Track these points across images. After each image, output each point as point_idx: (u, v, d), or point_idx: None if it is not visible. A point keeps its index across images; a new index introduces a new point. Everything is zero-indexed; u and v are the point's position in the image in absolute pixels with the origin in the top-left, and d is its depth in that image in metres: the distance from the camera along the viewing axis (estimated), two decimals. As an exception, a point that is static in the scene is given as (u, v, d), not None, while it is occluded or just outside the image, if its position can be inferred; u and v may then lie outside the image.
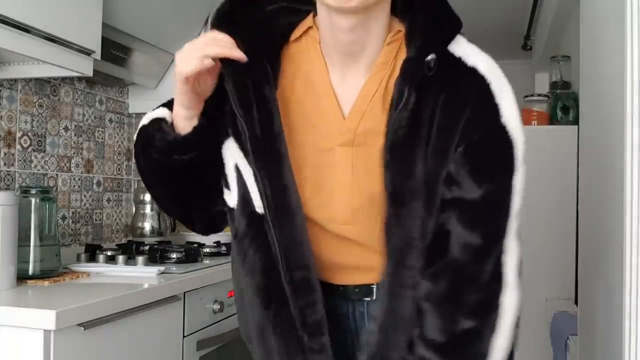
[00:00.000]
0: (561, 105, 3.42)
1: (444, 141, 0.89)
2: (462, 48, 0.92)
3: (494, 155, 0.90)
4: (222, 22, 0.96)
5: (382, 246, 0.92)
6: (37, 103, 2.06)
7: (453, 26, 0.93)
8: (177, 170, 0.99)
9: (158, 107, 1.06)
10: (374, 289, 1.00)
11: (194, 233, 2.66)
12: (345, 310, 1.03)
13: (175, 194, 1.05)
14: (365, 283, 1.01)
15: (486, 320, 0.89)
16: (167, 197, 1.07)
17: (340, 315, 1.02)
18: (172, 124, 0.98)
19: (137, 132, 1.04)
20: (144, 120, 1.04)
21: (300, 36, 0.99)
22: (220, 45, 0.91)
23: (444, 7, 0.94)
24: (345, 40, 0.92)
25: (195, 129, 0.96)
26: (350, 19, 0.89)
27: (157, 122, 1.00)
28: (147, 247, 2.22)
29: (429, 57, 0.88)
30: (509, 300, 0.90)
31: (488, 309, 0.89)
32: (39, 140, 2.07)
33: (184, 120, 0.96)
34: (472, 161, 0.89)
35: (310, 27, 0.98)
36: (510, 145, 0.89)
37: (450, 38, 0.92)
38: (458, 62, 0.91)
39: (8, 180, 1.93)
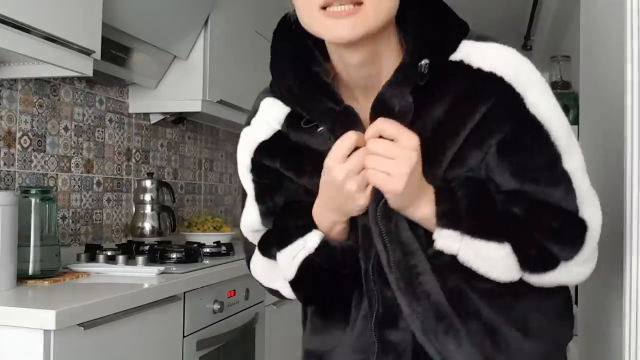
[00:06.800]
0: (561, 105, 3.42)
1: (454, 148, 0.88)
2: (467, 50, 0.89)
3: (528, 151, 0.87)
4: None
5: None
6: (37, 103, 2.06)
7: (455, 30, 0.90)
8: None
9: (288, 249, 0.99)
10: None
11: (194, 233, 2.68)
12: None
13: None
14: None
15: None
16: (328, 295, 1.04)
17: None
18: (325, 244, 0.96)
19: (298, 270, 0.98)
20: (298, 262, 0.97)
21: None
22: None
23: (442, 11, 0.91)
24: (357, 76, 0.92)
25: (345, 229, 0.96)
26: (358, 53, 0.88)
27: (324, 250, 0.96)
28: (147, 247, 2.22)
29: (422, 62, 0.86)
30: None
31: None
32: (39, 140, 2.07)
33: (342, 228, 0.95)
34: (509, 162, 0.88)
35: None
36: (543, 135, 0.87)
37: (451, 43, 0.89)
38: (461, 66, 0.88)
39: (8, 180, 1.93)
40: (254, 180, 1.03)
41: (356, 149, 0.85)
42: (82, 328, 1.36)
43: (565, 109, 3.66)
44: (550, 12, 3.61)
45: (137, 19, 2.14)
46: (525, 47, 4.49)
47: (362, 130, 0.87)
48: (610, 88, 1.33)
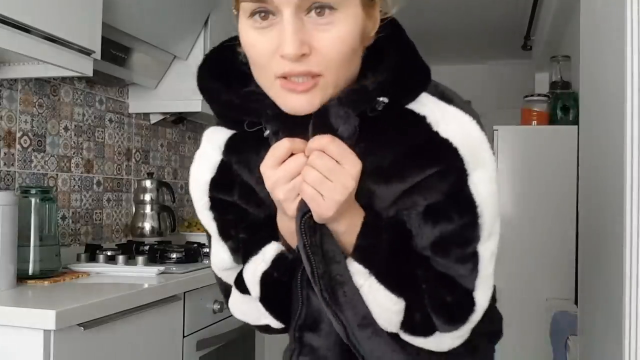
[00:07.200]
0: (561, 105, 3.42)
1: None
2: (431, 107, 0.83)
3: (451, 225, 0.85)
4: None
5: None
6: (37, 103, 2.06)
7: (419, 80, 0.85)
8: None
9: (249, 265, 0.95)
10: None
11: (194, 233, 2.67)
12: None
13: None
14: None
15: None
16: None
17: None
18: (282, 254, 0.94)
19: (260, 286, 0.94)
20: (258, 276, 0.93)
21: None
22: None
23: (413, 56, 0.85)
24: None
25: None
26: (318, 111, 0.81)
27: (280, 262, 0.92)
28: (147, 247, 2.23)
29: (381, 99, 0.81)
30: None
31: None
32: (39, 140, 2.07)
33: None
34: (431, 228, 0.85)
35: None
36: (473, 215, 0.84)
37: (414, 92, 0.84)
38: (422, 121, 0.83)
39: (8, 180, 1.93)
40: (216, 218, 0.96)
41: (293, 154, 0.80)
42: (82, 328, 1.36)
43: (565, 109, 3.64)
44: (550, 12, 3.61)
45: (137, 19, 2.14)
46: (525, 47, 4.49)
47: (308, 138, 0.80)
48: (610, 88, 1.33)
